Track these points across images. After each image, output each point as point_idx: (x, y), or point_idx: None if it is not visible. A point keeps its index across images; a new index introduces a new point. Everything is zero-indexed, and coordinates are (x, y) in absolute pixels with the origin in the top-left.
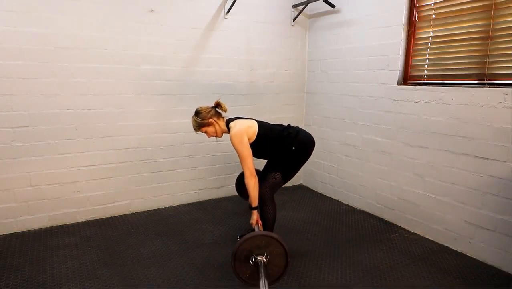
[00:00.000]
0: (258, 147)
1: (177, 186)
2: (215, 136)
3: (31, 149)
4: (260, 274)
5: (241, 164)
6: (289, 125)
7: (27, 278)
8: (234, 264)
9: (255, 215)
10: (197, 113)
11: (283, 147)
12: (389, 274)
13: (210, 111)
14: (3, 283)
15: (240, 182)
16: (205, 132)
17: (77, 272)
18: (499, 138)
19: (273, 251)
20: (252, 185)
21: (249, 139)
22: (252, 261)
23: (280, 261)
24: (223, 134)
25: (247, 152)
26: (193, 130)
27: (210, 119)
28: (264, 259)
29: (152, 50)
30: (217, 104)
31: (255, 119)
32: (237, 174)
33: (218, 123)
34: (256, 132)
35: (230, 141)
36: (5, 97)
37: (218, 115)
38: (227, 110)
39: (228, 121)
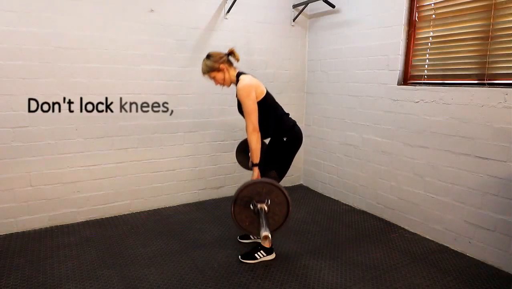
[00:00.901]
0: (259, 113)
1: (177, 186)
2: (221, 84)
3: (31, 149)
4: (261, 221)
5: (245, 118)
6: (288, 114)
7: (27, 278)
8: (234, 211)
9: (256, 172)
10: (209, 56)
11: (277, 130)
12: (389, 274)
13: (222, 57)
14: (3, 283)
15: (241, 150)
16: (213, 78)
17: (77, 272)
18: (499, 138)
19: (274, 199)
20: (255, 140)
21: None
22: (252, 206)
23: (281, 209)
24: (231, 84)
25: (253, 106)
26: (202, 73)
27: (221, 65)
28: (265, 206)
29: (152, 50)
30: (231, 52)
31: (265, 87)
32: (237, 174)
33: (228, 71)
34: (263, 95)
35: (236, 93)
36: (5, 97)
37: (230, 63)
38: (239, 60)
39: (239, 74)
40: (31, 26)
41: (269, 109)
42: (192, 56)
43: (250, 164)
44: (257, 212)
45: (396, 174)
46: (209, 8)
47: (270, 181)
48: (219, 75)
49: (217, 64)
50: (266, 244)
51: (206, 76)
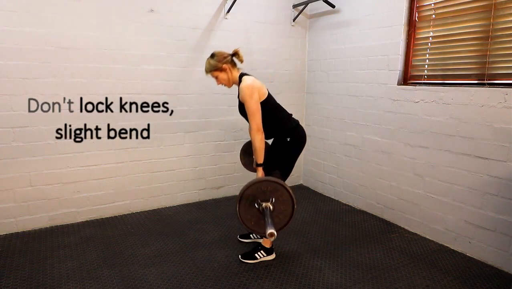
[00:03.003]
0: (261, 114)
1: (177, 186)
2: (224, 85)
3: (31, 149)
4: (266, 219)
5: (249, 118)
6: (291, 114)
7: (27, 278)
8: (239, 210)
9: (260, 172)
10: (213, 55)
11: (280, 131)
12: (389, 274)
13: (226, 56)
14: (3, 283)
15: (245, 151)
16: (216, 77)
17: (77, 272)
18: (499, 138)
19: (279, 197)
20: (259, 140)
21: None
22: (257, 205)
23: (286, 208)
24: (233, 85)
25: (257, 106)
26: (205, 72)
27: (224, 65)
28: (270, 205)
29: (152, 50)
30: (235, 53)
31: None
32: (237, 174)
33: (231, 72)
34: (266, 96)
35: (239, 94)
36: (5, 97)
37: (233, 64)
38: (243, 62)
39: (242, 74)
40: (31, 26)
41: (271, 111)
42: (192, 56)
43: (254, 164)
44: (262, 211)
45: (396, 174)
46: (209, 8)
47: (275, 180)
48: (222, 75)
49: (221, 64)
50: (270, 241)
51: (209, 75)
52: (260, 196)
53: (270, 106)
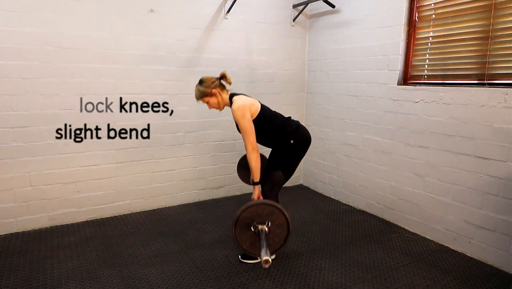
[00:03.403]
0: (258, 128)
1: (177, 186)
2: (216, 108)
3: (31, 149)
4: (262, 243)
5: (243, 138)
6: (289, 117)
7: (27, 278)
8: (235, 232)
9: (257, 190)
10: (201, 82)
11: (282, 137)
12: (389, 274)
13: (214, 81)
14: (3, 283)
15: (242, 165)
16: (207, 103)
17: (77, 272)
18: (499, 138)
19: (275, 220)
20: (255, 158)
21: (251, 116)
22: (253, 229)
23: (281, 231)
24: (225, 107)
25: (250, 126)
26: (195, 99)
27: (213, 90)
28: (266, 228)
29: (152, 50)
30: (222, 76)
31: (259, 101)
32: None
33: (221, 95)
34: (259, 111)
35: (232, 115)
36: (5, 97)
37: (222, 87)
38: (232, 84)
39: (232, 95)
40: (31, 26)
41: (268, 121)
42: (192, 56)
43: (251, 181)
44: (258, 233)
45: (396, 174)
46: (209, 8)
47: (271, 203)
48: (212, 100)
49: (209, 90)
50: (265, 266)
51: (200, 101)
52: (257, 219)
53: (266, 117)
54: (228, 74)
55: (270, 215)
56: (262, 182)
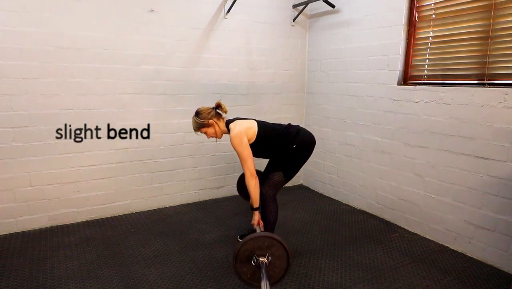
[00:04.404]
0: (259, 147)
1: (177, 186)
2: (214, 137)
3: (31, 149)
4: (262, 275)
5: (242, 165)
6: (289, 124)
7: (27, 278)
8: (236, 265)
9: (256, 216)
10: (198, 113)
11: (284, 146)
12: (389, 274)
13: (210, 112)
14: (3, 283)
15: (241, 182)
16: (205, 133)
17: (77, 272)
18: (499, 138)
19: (275, 252)
20: (253, 185)
21: (249, 140)
22: (254, 262)
23: (281, 263)
24: (223, 135)
25: (247, 152)
26: (193, 130)
27: (210, 120)
28: (266, 260)
29: (152, 50)
30: (218, 106)
31: (255, 120)
32: (237, 174)
33: (218, 124)
34: (256, 133)
35: (230, 142)
36: (5, 97)
37: (218, 116)
38: (228, 112)
39: (228, 122)
40: (31, 26)
41: (267, 137)
42: (192, 56)
43: (250, 207)
44: (258, 266)
45: (396, 174)
46: (209, 8)
47: (271, 235)
48: (210, 130)
49: (206, 120)
50: None
51: (198, 132)
52: (256, 252)
53: (264, 136)
54: (224, 103)
55: (270, 247)
56: (262, 182)
